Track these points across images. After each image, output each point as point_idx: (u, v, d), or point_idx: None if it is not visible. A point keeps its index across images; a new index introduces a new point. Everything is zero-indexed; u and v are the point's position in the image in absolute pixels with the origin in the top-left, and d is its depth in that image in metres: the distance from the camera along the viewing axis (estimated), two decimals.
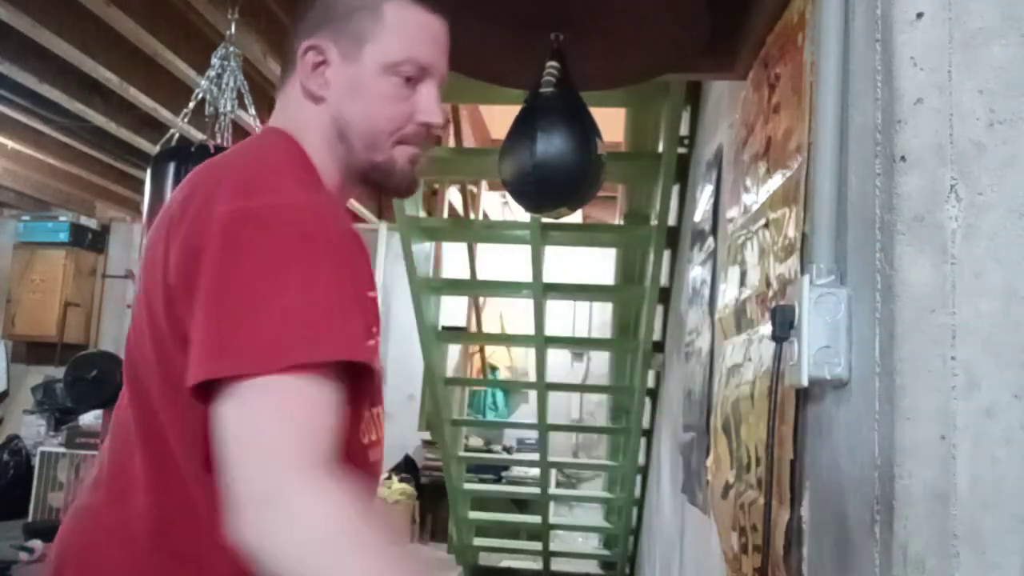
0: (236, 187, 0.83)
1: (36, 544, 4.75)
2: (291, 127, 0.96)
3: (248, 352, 0.74)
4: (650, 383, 3.80)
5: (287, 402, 0.74)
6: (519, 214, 2.32)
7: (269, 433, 0.73)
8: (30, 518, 5.49)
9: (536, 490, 4.54)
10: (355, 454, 0.88)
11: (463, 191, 4.97)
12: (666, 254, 3.35)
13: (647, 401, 3.86)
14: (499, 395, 6.68)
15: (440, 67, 0.97)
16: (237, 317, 0.76)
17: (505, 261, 5.01)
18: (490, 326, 6.26)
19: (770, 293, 1.36)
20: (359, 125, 0.94)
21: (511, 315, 6.30)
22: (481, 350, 6.58)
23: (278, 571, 0.70)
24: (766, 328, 1.26)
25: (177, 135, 2.92)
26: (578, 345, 6.36)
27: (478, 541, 4.74)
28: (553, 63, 1.52)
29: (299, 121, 0.96)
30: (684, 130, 2.99)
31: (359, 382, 0.83)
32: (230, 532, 0.72)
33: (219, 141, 2.78)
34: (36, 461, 5.63)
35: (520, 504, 5.37)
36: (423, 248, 3.38)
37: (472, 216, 5.07)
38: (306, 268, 0.78)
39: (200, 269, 0.78)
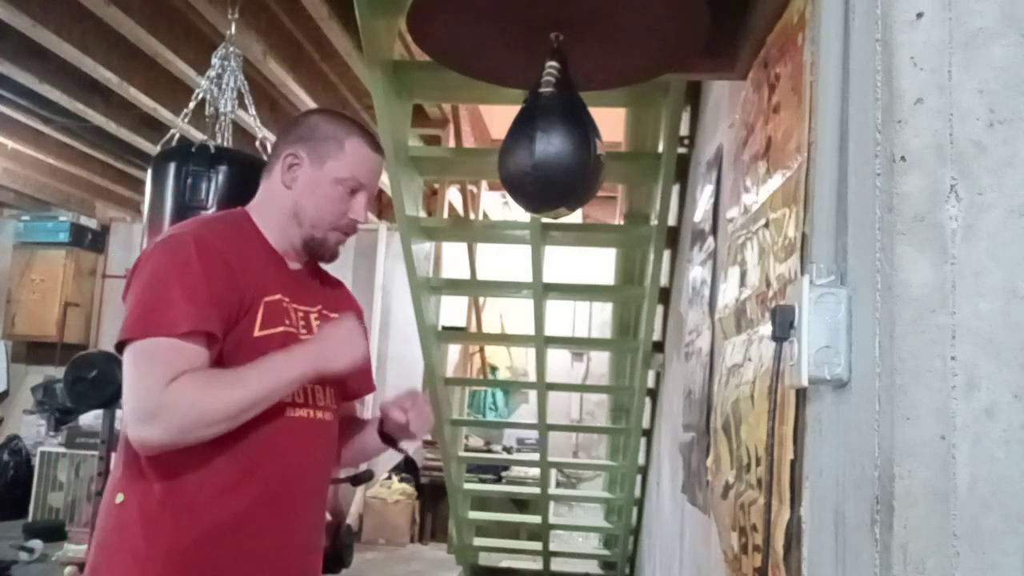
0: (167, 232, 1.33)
1: (36, 544, 4.74)
2: (259, 202, 1.41)
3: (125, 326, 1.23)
4: (650, 383, 3.80)
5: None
6: (519, 214, 2.32)
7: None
8: (30, 518, 5.47)
9: (536, 490, 4.54)
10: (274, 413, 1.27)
11: (463, 191, 4.96)
12: (666, 254, 3.35)
13: (647, 401, 3.86)
14: (499, 395, 6.68)
15: (372, 184, 1.42)
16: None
17: (505, 261, 5.01)
18: (490, 326, 6.26)
19: (770, 293, 1.36)
20: (310, 210, 1.37)
21: (511, 315, 6.30)
22: (481, 350, 6.58)
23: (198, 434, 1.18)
24: (766, 328, 1.26)
25: (177, 135, 2.91)
26: (578, 345, 6.36)
27: (478, 541, 4.73)
28: (553, 63, 1.51)
29: (269, 198, 1.40)
30: (684, 130, 2.99)
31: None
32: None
33: (219, 141, 2.78)
34: (36, 461, 5.62)
35: (520, 504, 5.37)
36: (423, 248, 3.38)
37: (472, 216, 5.07)
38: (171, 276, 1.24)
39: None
